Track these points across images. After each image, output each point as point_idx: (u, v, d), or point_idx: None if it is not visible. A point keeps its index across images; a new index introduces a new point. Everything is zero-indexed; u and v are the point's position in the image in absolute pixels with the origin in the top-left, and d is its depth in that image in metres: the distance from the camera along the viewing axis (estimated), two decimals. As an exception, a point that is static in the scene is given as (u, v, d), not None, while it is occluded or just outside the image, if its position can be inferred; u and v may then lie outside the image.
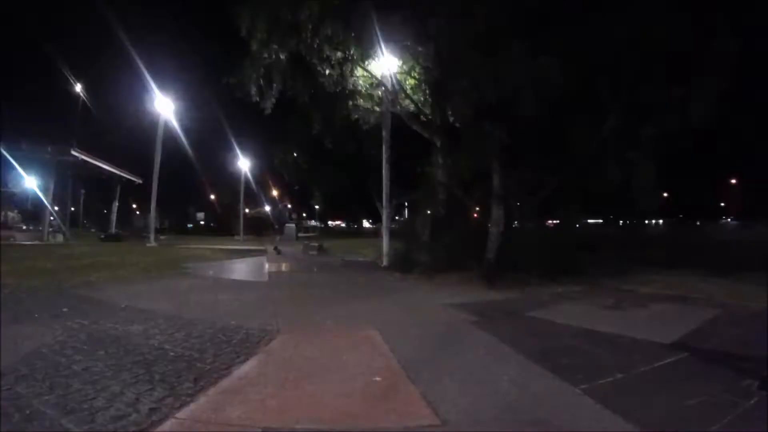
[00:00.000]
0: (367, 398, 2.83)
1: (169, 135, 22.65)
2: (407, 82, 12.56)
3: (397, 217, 22.53)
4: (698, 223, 52.54)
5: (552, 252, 8.55)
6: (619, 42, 7.93)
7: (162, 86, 20.39)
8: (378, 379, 3.17)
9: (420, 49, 10.77)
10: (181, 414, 2.49)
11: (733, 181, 56.42)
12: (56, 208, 24.72)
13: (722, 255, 14.01)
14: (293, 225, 32.69)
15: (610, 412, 2.77)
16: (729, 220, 60.27)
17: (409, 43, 10.61)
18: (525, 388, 3.17)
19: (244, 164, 33.72)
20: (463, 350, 4.06)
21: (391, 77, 11.58)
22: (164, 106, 20.32)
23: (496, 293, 7.37)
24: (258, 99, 11.40)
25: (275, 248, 13.76)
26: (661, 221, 47.68)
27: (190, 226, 54.35)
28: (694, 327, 5.22)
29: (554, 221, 10.80)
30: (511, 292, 7.47)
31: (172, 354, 3.55)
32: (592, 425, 2.62)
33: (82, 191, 38.96)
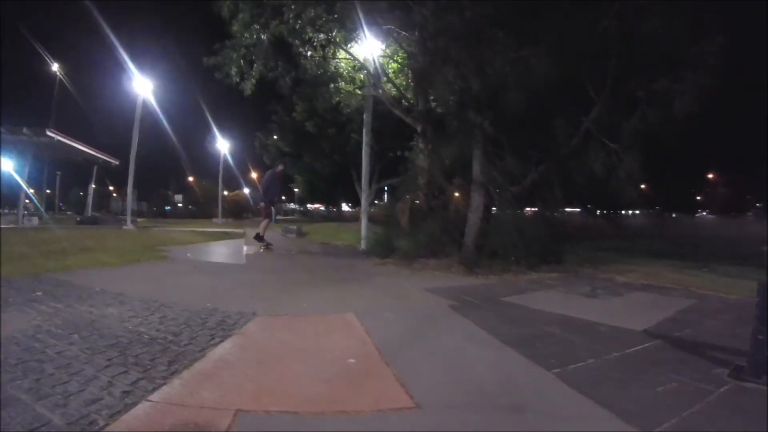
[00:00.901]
0: (343, 381, 2.85)
1: (148, 116, 22.26)
2: (390, 66, 12.51)
3: (377, 202, 22.59)
4: (674, 216, 53.59)
5: (531, 240, 8.66)
6: (605, 34, 7.98)
7: (141, 66, 19.97)
8: (354, 361, 3.20)
9: (404, 34, 10.71)
10: (155, 397, 2.49)
11: (711, 176, 57.84)
12: (32, 191, 24.19)
13: (697, 247, 14.35)
14: (272, 208, 32.49)
15: (582, 395, 2.83)
16: (705, 213, 61.62)
17: (393, 27, 10.53)
18: (499, 371, 3.23)
19: (223, 146, 33.37)
20: (440, 334, 4.11)
21: (373, 61, 11.51)
22: (142, 86, 19.88)
23: (475, 279, 7.46)
24: (238, 81, 11.27)
25: (263, 242, 11.10)
26: (638, 212, 48.46)
27: (168, 208, 53.72)
28: (668, 316, 5.34)
29: (534, 209, 10.91)
30: (490, 278, 7.57)
31: (146, 337, 3.52)
32: (563, 408, 2.68)
33: (58, 173, 38.15)
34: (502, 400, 2.73)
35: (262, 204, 11.57)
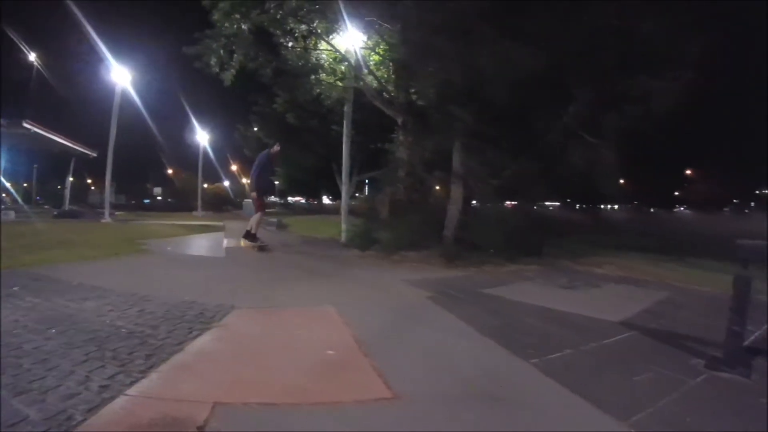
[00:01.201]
0: (321, 372, 2.90)
1: (127, 107, 21.86)
2: (371, 58, 12.48)
3: (358, 195, 22.57)
4: (652, 210, 54.52)
5: (510, 232, 8.76)
6: (588, 31, 8.05)
7: (119, 55, 19.56)
8: (332, 353, 3.24)
9: (386, 26, 10.69)
10: (132, 390, 2.50)
11: (689, 172, 59.00)
12: (8, 184, 23.62)
13: (674, 241, 14.62)
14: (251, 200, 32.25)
15: (559, 385, 2.91)
16: (683, 209, 62.79)
17: (375, 19, 10.51)
18: (477, 362, 3.30)
19: (203, 138, 32.98)
20: (419, 325, 4.17)
21: (355, 52, 11.47)
22: (121, 75, 19.50)
23: (454, 271, 7.54)
24: (218, 71, 11.16)
25: (255, 241, 9.50)
26: (616, 207, 49.23)
27: (147, 201, 52.97)
28: (645, 307, 5.48)
29: (514, 202, 11.01)
30: (469, 270, 7.66)
31: (124, 331, 3.52)
32: (540, 398, 2.75)
33: (35, 166, 37.35)
34: (479, 390, 2.80)
35: (253, 195, 9.67)
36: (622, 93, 8.62)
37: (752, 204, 68.10)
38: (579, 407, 2.65)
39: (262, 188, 9.70)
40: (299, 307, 4.71)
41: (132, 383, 2.59)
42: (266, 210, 11.34)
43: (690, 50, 8.15)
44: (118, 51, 19.54)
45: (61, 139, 20.85)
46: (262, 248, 9.38)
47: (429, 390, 2.76)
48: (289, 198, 49.27)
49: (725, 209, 61.30)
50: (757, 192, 70.91)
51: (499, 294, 5.84)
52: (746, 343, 3.71)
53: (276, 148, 9.98)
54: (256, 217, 9.59)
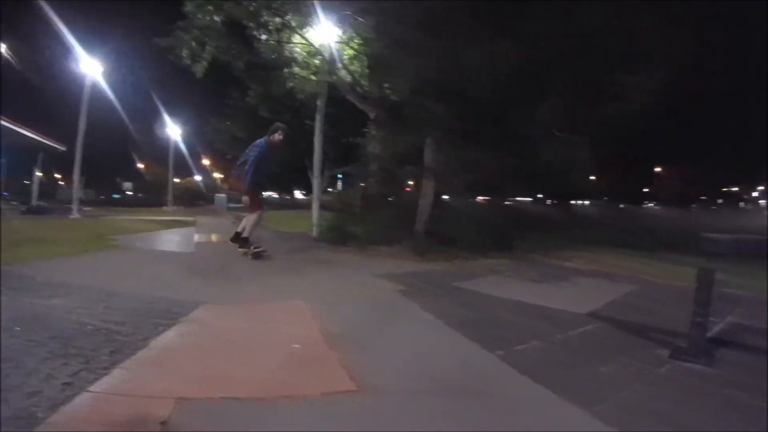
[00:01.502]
0: (287, 366, 2.93)
1: (96, 100, 21.30)
2: (346, 52, 12.45)
3: (330, 189, 22.52)
4: (622, 206, 55.74)
5: (482, 227, 8.90)
6: (566, 28, 8.16)
7: (89, 47, 19.04)
8: (299, 347, 3.27)
9: (361, 20, 10.67)
10: (95, 387, 2.49)
11: (658, 169, 60.65)
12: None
13: (643, 236, 15.01)
14: (224, 195, 31.87)
15: (524, 376, 2.99)
16: (652, 205, 64.41)
17: (350, 13, 10.48)
18: (445, 354, 3.37)
19: (174, 132, 32.39)
20: (387, 318, 4.23)
21: (329, 46, 11.42)
22: (91, 67, 19.01)
23: (426, 265, 7.64)
24: (190, 63, 11.02)
25: (247, 246, 7.72)
26: (587, 203, 50.11)
27: (117, 196, 51.94)
28: (612, 299, 5.67)
29: (487, 197, 11.16)
30: (440, 264, 7.76)
31: (89, 327, 3.48)
32: (505, 389, 2.83)
33: (2, 160, 36.25)
34: (444, 382, 2.87)
35: (246, 198, 7.68)
36: (598, 90, 8.79)
37: (719, 201, 70.50)
38: (543, 397, 2.73)
39: (260, 184, 7.98)
40: (268, 302, 4.72)
41: (95, 380, 2.57)
42: (228, 206, 10.90)
43: (666, 49, 8.34)
44: (88, 42, 19.02)
45: (29, 132, 20.27)
46: (257, 255, 7.61)
47: (394, 382, 2.81)
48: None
49: (693, 206, 63.02)
50: (724, 189, 73.84)
51: (469, 287, 5.94)
52: (710, 334, 3.86)
53: (278, 135, 7.80)
54: (251, 218, 7.81)
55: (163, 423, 2.15)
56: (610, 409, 2.60)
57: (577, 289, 6.30)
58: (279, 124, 7.97)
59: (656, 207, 62.04)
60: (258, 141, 7.84)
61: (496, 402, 2.65)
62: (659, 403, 2.77)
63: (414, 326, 4.04)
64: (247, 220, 7.91)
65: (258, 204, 7.91)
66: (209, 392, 2.49)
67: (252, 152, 7.65)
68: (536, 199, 30.51)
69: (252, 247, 7.72)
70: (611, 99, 8.73)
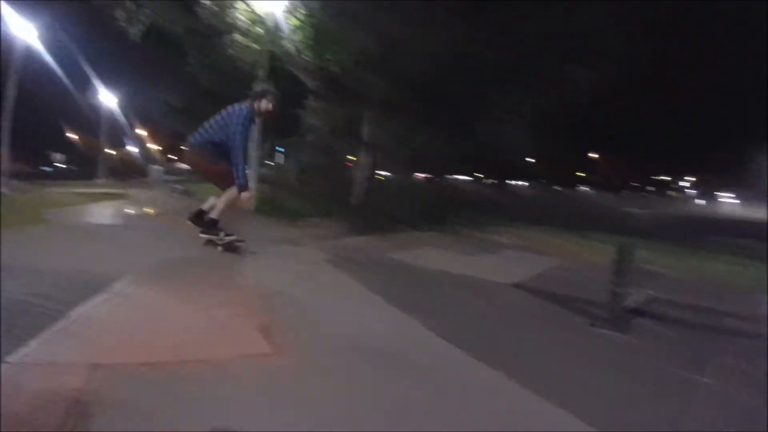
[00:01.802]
0: (205, 331, 2.98)
1: (25, 65, 19.81)
2: (290, 21, 12.14)
3: (269, 162, 22.18)
4: (557, 189, 57.89)
5: (417, 201, 9.04)
6: (514, 12, 8.25)
7: (17, 7, 17.55)
8: (219, 313, 3.26)
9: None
10: (10, 358, 2.42)
11: (594, 155, 63.73)
12: None
13: (574, 216, 15.71)
14: (160, 167, 30.84)
15: (445, 341, 3.11)
16: (586, 189, 67.55)
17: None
18: (370, 323, 3.45)
19: (109, 100, 30.70)
20: (315, 288, 4.30)
21: (273, 15, 11.08)
22: (22, 30, 17.53)
23: (358, 237, 7.73)
24: (125, 25, 10.45)
25: (213, 232, 5.65)
26: (524, 183, 51.72)
27: (47, 169, 48.98)
28: (537, 272, 5.94)
29: (425, 175, 11.31)
30: (375, 236, 7.86)
31: (5, 299, 3.31)
32: (427, 355, 2.94)
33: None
34: (367, 350, 2.93)
35: (244, 185, 5.40)
36: (539, 76, 9.00)
37: (650, 188, 75.35)
38: (463, 362, 2.84)
39: (238, 154, 5.44)
40: (192, 271, 4.64)
41: (11, 350, 2.49)
42: (165, 178, 9.61)
43: (612, 43, 8.60)
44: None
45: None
46: (231, 247, 5.61)
47: (311, 347, 2.89)
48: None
49: (624, 191, 66.60)
50: (656, 178, 79.82)
51: (398, 258, 6.11)
52: (629, 305, 4.19)
53: (265, 103, 5.69)
54: (226, 196, 5.61)
55: (77, 389, 2.14)
56: (528, 373, 2.73)
57: (505, 262, 6.58)
58: (268, 88, 6.28)
59: (590, 191, 64.92)
60: (236, 107, 5.59)
61: (414, 365, 2.76)
62: (579, 369, 2.96)
63: (339, 294, 4.12)
64: (220, 200, 5.72)
65: (228, 177, 5.49)
66: (125, 358, 2.50)
67: (234, 126, 5.43)
68: (475, 179, 31.12)
69: (222, 234, 5.62)
70: (553, 86, 8.97)
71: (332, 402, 2.25)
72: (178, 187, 17.18)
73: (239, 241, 5.71)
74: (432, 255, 6.59)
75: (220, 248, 5.57)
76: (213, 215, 5.62)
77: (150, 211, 9.68)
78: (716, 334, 4.06)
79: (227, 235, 5.63)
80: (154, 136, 48.79)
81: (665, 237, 11.13)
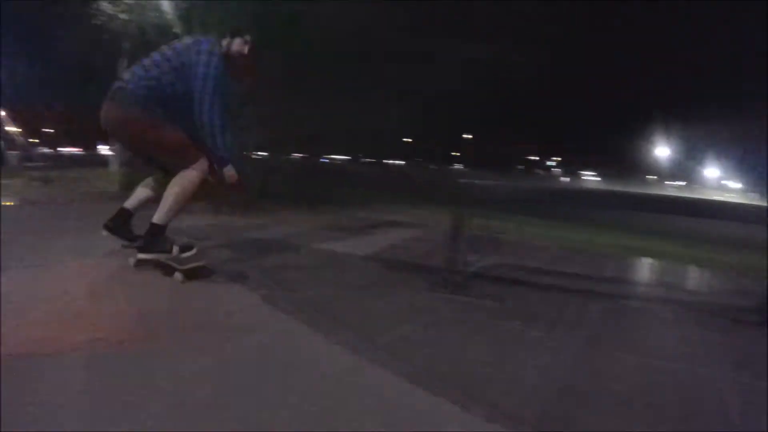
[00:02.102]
0: (68, 320, 2.92)
1: None
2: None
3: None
4: (432, 167, 60.97)
5: (291, 181, 9.14)
6: None
7: None
8: (84, 303, 3.24)
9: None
10: None
11: (468, 136, 69.26)
12: None
13: (446, 191, 16.67)
14: (18, 153, 27.74)
15: (284, 314, 3.24)
16: (461, 167, 72.37)
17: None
18: (208, 297, 3.52)
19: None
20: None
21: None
22: None
23: (221, 217, 7.48)
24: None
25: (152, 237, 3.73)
26: (402, 162, 53.73)
27: None
28: (391, 243, 6.39)
29: (301, 154, 11.45)
30: (236, 216, 7.66)
31: None
32: (264, 326, 3.04)
33: None
34: (198, 322, 3.02)
35: (225, 158, 3.68)
36: (416, 56, 9.37)
37: (519, 167, 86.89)
38: (295, 329, 3.00)
39: (210, 117, 3.50)
40: (69, 263, 4.47)
41: None
42: (26, 164, 7.52)
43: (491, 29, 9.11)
44: None
45: None
46: (193, 274, 3.69)
47: (159, 327, 2.91)
48: (63, 149, 41.66)
49: (495, 169, 72.33)
50: (526, 158, 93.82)
51: (255, 236, 6.19)
52: (473, 269, 4.77)
53: (238, 44, 3.87)
54: (183, 181, 3.68)
55: None
56: (362, 337, 2.92)
57: (363, 236, 6.92)
58: (240, 26, 4.17)
59: (463, 169, 69.49)
60: (195, 41, 3.68)
61: (253, 337, 2.85)
62: (410, 328, 3.23)
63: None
64: (173, 188, 3.66)
65: (196, 152, 3.70)
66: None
67: (202, 68, 3.51)
68: (354, 158, 31.63)
69: (176, 249, 3.62)
70: (432, 69, 9.36)
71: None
72: (36, 174, 15.63)
73: (204, 267, 3.82)
74: (291, 232, 6.71)
75: (179, 276, 3.63)
76: (157, 219, 3.65)
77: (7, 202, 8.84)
78: (550, 293, 4.58)
79: (183, 249, 3.63)
80: (15, 116, 43.04)
81: (517, 208, 12.30)
